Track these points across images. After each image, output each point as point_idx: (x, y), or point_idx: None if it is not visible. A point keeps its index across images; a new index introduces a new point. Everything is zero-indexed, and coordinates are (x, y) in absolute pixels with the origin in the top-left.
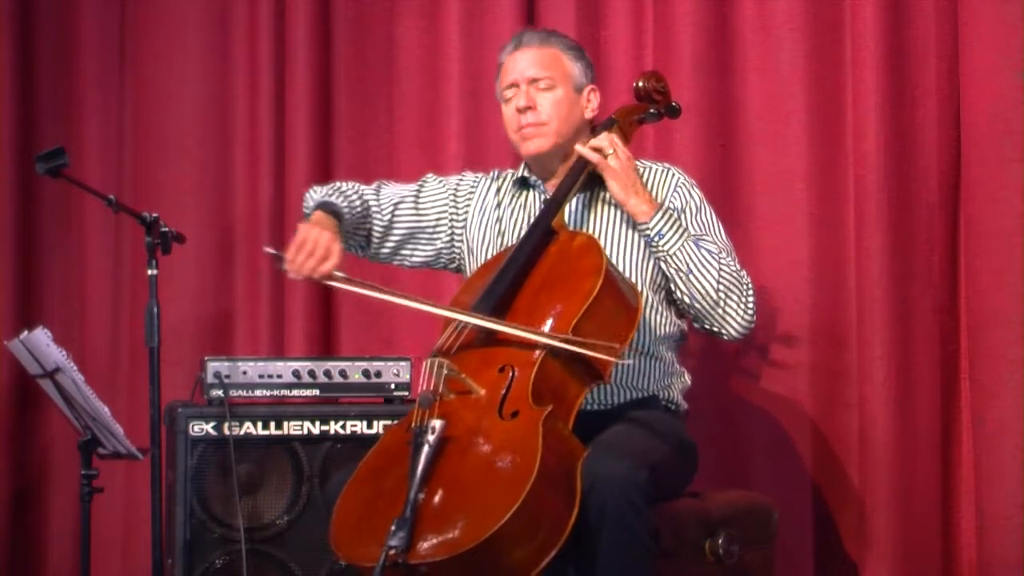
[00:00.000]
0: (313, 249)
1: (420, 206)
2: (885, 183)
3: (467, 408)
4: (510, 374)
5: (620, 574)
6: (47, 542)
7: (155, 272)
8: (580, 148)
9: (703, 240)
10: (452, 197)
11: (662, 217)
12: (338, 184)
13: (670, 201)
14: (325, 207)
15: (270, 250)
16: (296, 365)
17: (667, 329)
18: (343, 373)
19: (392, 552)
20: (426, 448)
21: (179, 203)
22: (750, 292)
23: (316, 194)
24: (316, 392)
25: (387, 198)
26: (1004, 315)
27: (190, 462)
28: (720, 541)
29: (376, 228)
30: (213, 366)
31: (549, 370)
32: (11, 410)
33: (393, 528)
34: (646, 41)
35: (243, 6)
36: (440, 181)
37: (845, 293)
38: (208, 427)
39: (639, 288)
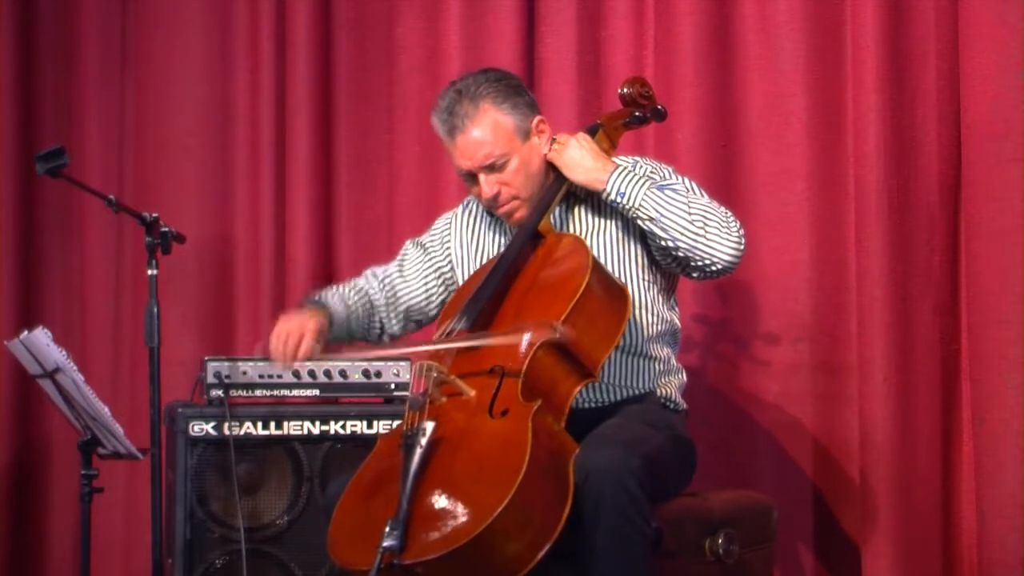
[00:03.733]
0: (286, 337)
1: (406, 275)
2: (885, 183)
3: (458, 409)
4: (499, 374)
5: (617, 562)
6: (47, 542)
7: (155, 272)
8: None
9: (666, 184)
10: (432, 256)
11: (617, 177)
12: (331, 288)
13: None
14: (306, 303)
15: (259, 355)
16: (296, 365)
17: (659, 327)
18: (343, 373)
19: (387, 553)
20: (418, 450)
21: (180, 203)
22: (730, 218)
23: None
24: (316, 392)
25: (376, 277)
26: (1004, 315)
27: (190, 462)
28: (720, 540)
29: (380, 310)
30: (213, 366)
31: (538, 369)
32: (11, 410)
33: (387, 529)
34: (646, 41)
35: (244, 6)
36: (417, 245)
37: (846, 293)
38: (208, 427)
39: (627, 287)
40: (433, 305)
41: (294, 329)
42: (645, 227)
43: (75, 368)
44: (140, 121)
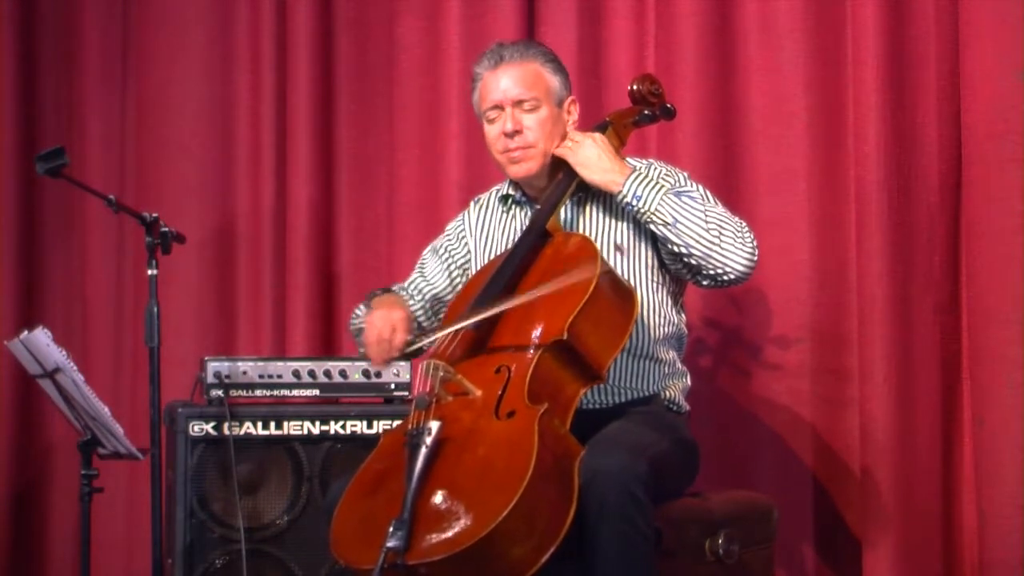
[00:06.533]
0: (379, 333)
1: (428, 278)
2: (885, 183)
3: (464, 409)
4: (506, 375)
5: (622, 567)
6: (47, 542)
7: (155, 272)
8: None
9: (682, 191)
10: (449, 256)
11: (634, 180)
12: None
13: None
14: (374, 295)
15: (366, 367)
16: (296, 365)
17: (666, 329)
18: (343, 373)
19: (390, 553)
20: (423, 449)
21: (181, 203)
22: (744, 228)
23: (359, 313)
24: (316, 392)
25: (404, 290)
26: (1004, 315)
27: (190, 462)
28: (720, 540)
29: (418, 313)
30: (213, 366)
31: (545, 370)
32: (11, 410)
33: (391, 529)
34: (647, 41)
35: (245, 6)
36: (433, 250)
37: (846, 293)
38: (208, 427)
39: (635, 288)
40: None
41: (385, 326)
42: (659, 232)
43: (75, 368)
44: (140, 121)
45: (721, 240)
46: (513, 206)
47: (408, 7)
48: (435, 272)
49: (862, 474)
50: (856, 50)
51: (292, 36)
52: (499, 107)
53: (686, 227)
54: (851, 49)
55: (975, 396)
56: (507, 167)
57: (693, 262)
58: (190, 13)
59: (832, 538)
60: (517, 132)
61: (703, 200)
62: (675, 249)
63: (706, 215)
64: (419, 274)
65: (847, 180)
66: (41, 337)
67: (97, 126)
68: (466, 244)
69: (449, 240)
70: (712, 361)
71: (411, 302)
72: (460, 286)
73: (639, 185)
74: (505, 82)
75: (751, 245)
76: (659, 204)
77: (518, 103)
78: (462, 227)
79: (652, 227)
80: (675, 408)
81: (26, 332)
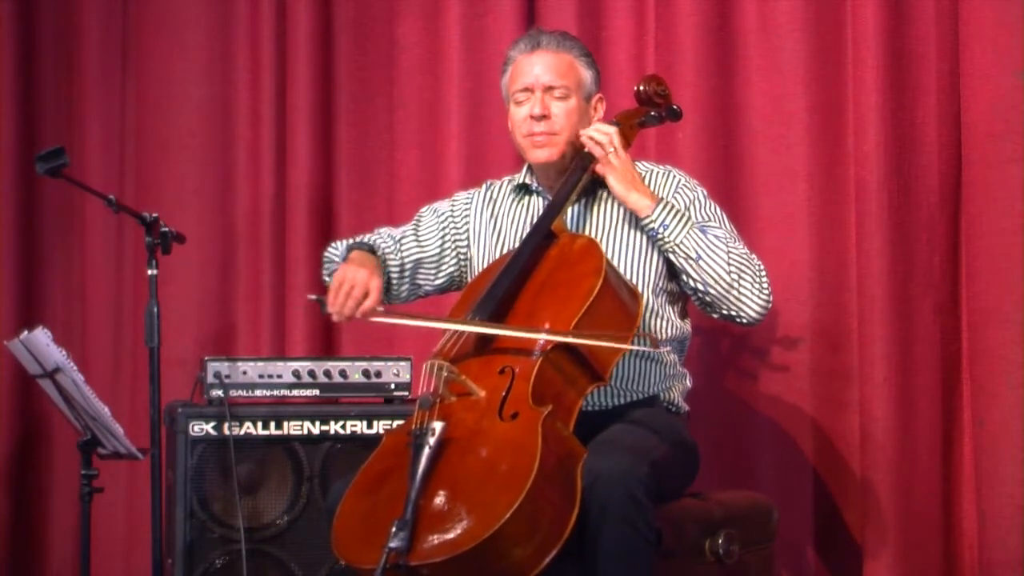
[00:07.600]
0: (351, 289)
1: (421, 238)
2: (885, 183)
3: (467, 410)
4: (510, 376)
5: (623, 569)
6: (47, 542)
7: (155, 272)
8: (585, 133)
9: (708, 227)
10: (449, 222)
11: (663, 209)
12: (351, 239)
13: (673, 199)
14: (358, 247)
15: (312, 296)
16: (296, 365)
17: (668, 332)
18: (343, 373)
19: (392, 554)
20: (426, 450)
21: (180, 203)
22: (763, 273)
23: (337, 248)
24: (316, 392)
25: (391, 238)
26: (1004, 315)
27: (190, 462)
28: (720, 541)
29: (392, 270)
30: (213, 366)
31: (549, 372)
32: (11, 410)
33: (393, 530)
34: (647, 41)
35: (245, 6)
36: (434, 211)
37: (846, 293)
38: (208, 427)
39: (640, 290)
40: (443, 273)
41: (360, 282)
42: (678, 263)
43: (75, 368)
44: (140, 121)
45: (740, 284)
46: (526, 195)
47: (408, 7)
48: (430, 231)
49: (862, 474)
50: (856, 50)
51: (292, 36)
52: (529, 90)
53: (708, 265)
54: (851, 49)
55: (975, 396)
56: (528, 151)
57: (708, 299)
58: (190, 13)
59: (832, 538)
60: (544, 117)
61: (727, 238)
62: (692, 284)
63: (728, 256)
64: (413, 232)
65: (847, 180)
66: (41, 337)
67: (97, 126)
68: (467, 223)
69: (453, 209)
70: (712, 361)
71: (392, 257)
72: (448, 260)
73: (667, 214)
74: (539, 67)
75: (768, 291)
76: (684, 237)
77: (549, 89)
78: (468, 207)
79: (672, 257)
80: (675, 409)
81: (26, 332)
